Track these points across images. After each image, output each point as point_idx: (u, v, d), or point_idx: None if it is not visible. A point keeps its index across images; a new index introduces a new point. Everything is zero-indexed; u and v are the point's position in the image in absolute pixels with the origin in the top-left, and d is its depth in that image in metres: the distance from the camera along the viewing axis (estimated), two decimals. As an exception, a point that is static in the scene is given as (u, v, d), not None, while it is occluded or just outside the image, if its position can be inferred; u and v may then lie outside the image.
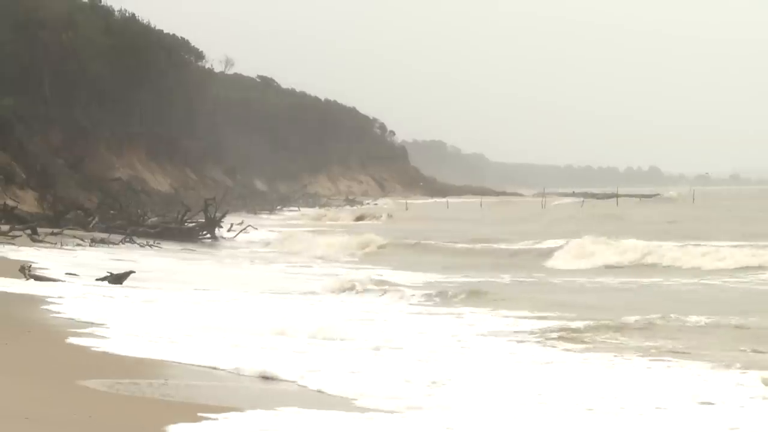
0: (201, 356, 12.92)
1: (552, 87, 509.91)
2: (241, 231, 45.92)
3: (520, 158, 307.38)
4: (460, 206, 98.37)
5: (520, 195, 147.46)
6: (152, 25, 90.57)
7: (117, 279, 22.71)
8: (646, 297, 23.31)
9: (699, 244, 34.63)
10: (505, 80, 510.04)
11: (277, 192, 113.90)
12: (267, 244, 44.08)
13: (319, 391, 11.11)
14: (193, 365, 12.45)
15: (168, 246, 38.81)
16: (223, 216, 47.53)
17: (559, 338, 15.54)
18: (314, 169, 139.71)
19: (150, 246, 37.57)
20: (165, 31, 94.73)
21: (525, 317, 18.21)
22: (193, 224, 45.66)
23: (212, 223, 45.48)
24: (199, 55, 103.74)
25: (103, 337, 14.30)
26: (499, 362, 13.34)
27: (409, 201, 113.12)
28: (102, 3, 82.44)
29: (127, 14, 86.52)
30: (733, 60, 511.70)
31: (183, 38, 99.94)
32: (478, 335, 16.02)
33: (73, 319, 16.10)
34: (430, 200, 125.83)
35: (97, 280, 22.79)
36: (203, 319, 16.64)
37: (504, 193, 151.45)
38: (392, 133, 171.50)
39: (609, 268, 31.76)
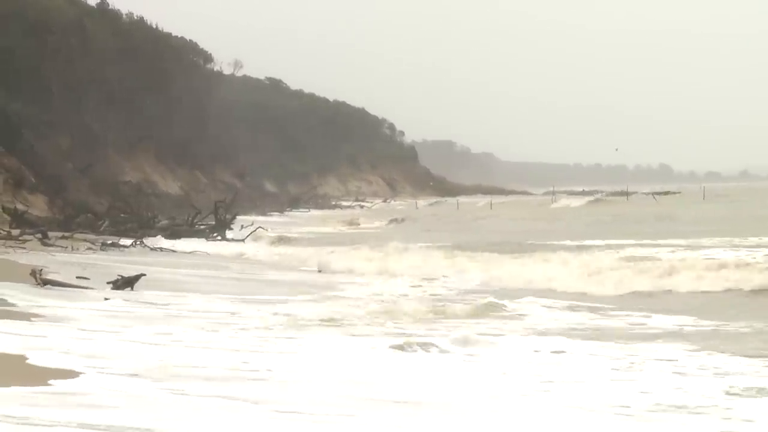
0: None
1: (560, 86, 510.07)
2: (251, 233, 45.88)
3: (529, 157, 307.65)
4: (465, 206, 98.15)
5: (530, 194, 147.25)
6: (161, 29, 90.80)
7: (128, 282, 22.62)
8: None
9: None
10: (514, 80, 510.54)
11: (287, 193, 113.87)
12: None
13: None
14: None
15: (180, 248, 38.68)
16: (234, 218, 47.67)
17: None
18: (324, 171, 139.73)
19: (161, 249, 37.52)
20: (173, 34, 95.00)
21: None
22: (204, 227, 45.77)
23: (223, 225, 45.59)
24: (208, 58, 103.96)
25: None
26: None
27: (419, 201, 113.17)
28: (110, 7, 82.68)
29: (135, 18, 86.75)
30: (743, 56, 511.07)
31: (191, 41, 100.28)
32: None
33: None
34: (440, 200, 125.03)
35: (107, 283, 22.73)
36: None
37: (513, 192, 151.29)
38: (401, 133, 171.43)
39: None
